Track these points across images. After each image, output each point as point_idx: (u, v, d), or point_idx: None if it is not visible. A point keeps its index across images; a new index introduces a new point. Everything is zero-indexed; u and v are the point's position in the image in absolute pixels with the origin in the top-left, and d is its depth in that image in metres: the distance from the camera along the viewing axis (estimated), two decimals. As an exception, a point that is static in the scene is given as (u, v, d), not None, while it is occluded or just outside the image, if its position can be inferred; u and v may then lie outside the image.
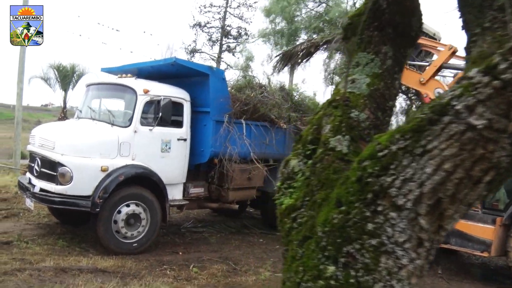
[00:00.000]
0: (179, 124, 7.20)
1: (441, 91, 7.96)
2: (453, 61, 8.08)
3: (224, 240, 8.03)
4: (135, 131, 6.61)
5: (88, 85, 8.00)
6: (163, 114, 6.75)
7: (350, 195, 1.71)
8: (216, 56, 25.91)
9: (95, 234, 6.41)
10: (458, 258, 8.23)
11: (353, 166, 1.76)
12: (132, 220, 6.48)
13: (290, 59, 8.97)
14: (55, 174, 6.15)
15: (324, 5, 8.59)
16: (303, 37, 9.38)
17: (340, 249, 1.68)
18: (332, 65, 10.29)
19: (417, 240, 1.62)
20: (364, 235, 1.64)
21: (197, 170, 7.82)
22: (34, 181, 6.58)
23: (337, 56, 9.48)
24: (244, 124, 7.60)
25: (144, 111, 6.76)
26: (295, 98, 9.44)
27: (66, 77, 20.89)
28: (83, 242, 6.75)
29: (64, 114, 20.31)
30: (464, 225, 6.67)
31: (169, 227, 8.02)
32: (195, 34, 26.93)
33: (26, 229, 7.15)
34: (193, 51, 26.08)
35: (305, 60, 9.21)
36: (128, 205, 6.43)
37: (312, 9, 9.16)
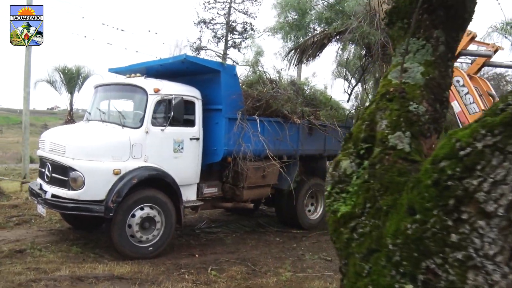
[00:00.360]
0: (191, 123, 6.98)
1: (460, 79, 7.71)
2: (471, 47, 7.84)
3: (240, 240, 7.83)
4: (147, 132, 6.40)
5: (97, 87, 7.77)
6: (175, 114, 6.55)
7: (426, 201, 1.46)
8: (222, 53, 25.69)
9: (110, 239, 6.23)
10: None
11: (425, 167, 1.52)
12: (147, 223, 6.28)
13: (304, 52, 8.74)
14: (67, 179, 5.96)
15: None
16: (316, 28, 9.12)
17: (418, 265, 1.45)
18: (345, 57, 10.01)
19: (510, 252, 1.39)
20: (446, 247, 1.40)
21: (210, 169, 7.60)
22: (46, 187, 6.39)
23: (350, 48, 9.18)
24: (258, 121, 7.36)
25: (155, 111, 6.55)
26: (306, 92, 9.21)
27: (72, 79, 20.88)
28: (97, 248, 6.57)
29: (70, 117, 20.28)
30: None
31: (183, 229, 7.82)
32: (200, 31, 26.79)
33: (39, 236, 6.98)
34: (199, 49, 25.92)
35: (318, 53, 8.98)
36: (142, 208, 6.23)
37: (324, 1, 8.90)
